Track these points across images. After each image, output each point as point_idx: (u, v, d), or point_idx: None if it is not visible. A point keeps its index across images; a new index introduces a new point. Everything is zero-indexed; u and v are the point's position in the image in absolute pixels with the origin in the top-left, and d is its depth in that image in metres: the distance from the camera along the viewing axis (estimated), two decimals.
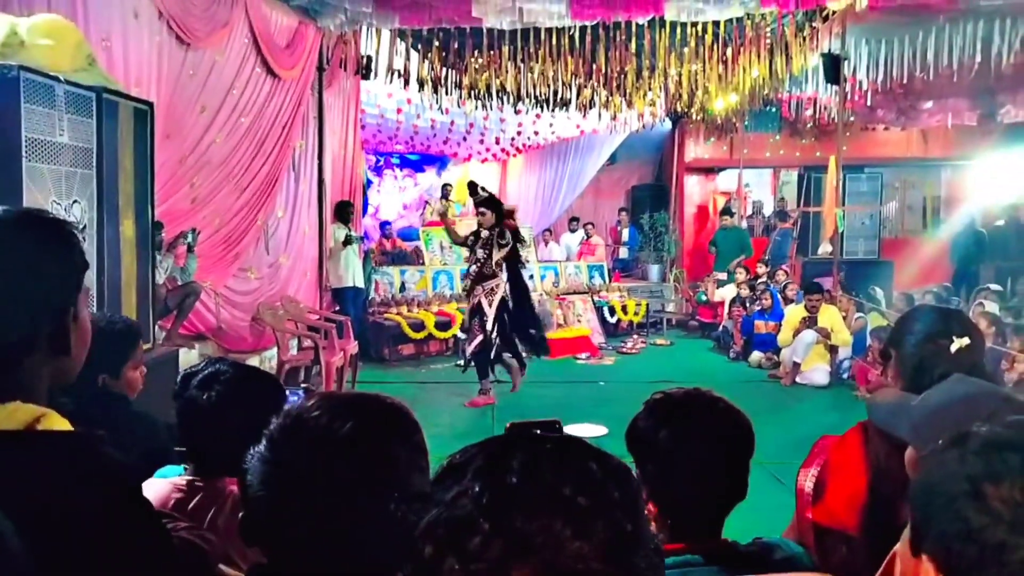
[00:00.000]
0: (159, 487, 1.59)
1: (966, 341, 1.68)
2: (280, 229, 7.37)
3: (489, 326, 6.17)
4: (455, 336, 8.38)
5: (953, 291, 9.38)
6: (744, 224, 11.94)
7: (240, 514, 1.29)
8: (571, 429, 5.85)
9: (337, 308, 8.04)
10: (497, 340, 6.34)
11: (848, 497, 1.63)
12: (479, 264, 6.27)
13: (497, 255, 6.28)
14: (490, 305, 6.20)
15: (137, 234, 4.54)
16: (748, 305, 8.85)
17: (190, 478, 1.60)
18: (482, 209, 6.36)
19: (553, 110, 9.69)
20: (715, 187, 12.21)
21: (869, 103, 9.29)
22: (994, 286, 8.65)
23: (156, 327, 5.32)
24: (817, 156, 11.15)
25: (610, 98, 9.47)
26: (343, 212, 8.01)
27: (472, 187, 6.65)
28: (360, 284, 8.21)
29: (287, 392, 1.87)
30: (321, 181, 8.00)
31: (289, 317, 6.83)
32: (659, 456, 1.30)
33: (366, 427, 0.93)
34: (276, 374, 6.34)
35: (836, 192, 8.23)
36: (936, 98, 9.91)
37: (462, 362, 6.75)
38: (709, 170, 12.10)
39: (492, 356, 6.39)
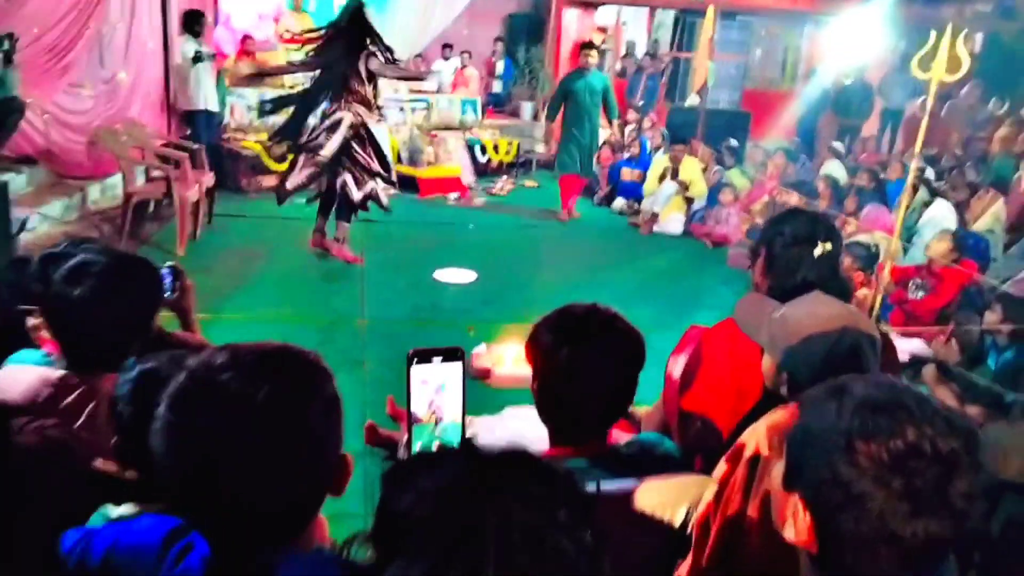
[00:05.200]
0: (25, 380, 1.47)
1: (828, 247, 1.82)
2: (117, 39, 6.50)
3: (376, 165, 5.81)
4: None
5: (802, 147, 9.96)
6: (618, 65, 11.81)
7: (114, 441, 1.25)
8: (441, 274, 5.95)
9: (187, 133, 7.38)
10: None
11: (713, 385, 1.77)
12: (361, 95, 5.63)
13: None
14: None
15: None
16: (616, 151, 9.02)
17: (63, 373, 1.49)
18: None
19: None
20: (593, 23, 11.88)
21: None
22: (836, 144, 9.26)
23: None
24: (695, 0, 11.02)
25: None
26: (192, 23, 7.09)
27: (359, 8, 5.93)
28: (214, 107, 7.51)
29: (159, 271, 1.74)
30: None
31: (134, 143, 6.21)
32: (558, 370, 1.35)
33: (282, 391, 0.89)
34: (123, 208, 5.86)
35: (710, 44, 8.27)
36: None
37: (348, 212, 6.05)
38: (588, 4, 11.70)
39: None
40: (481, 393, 4.02)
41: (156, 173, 6.33)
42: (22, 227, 5.10)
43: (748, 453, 1.44)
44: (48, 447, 1.31)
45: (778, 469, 1.03)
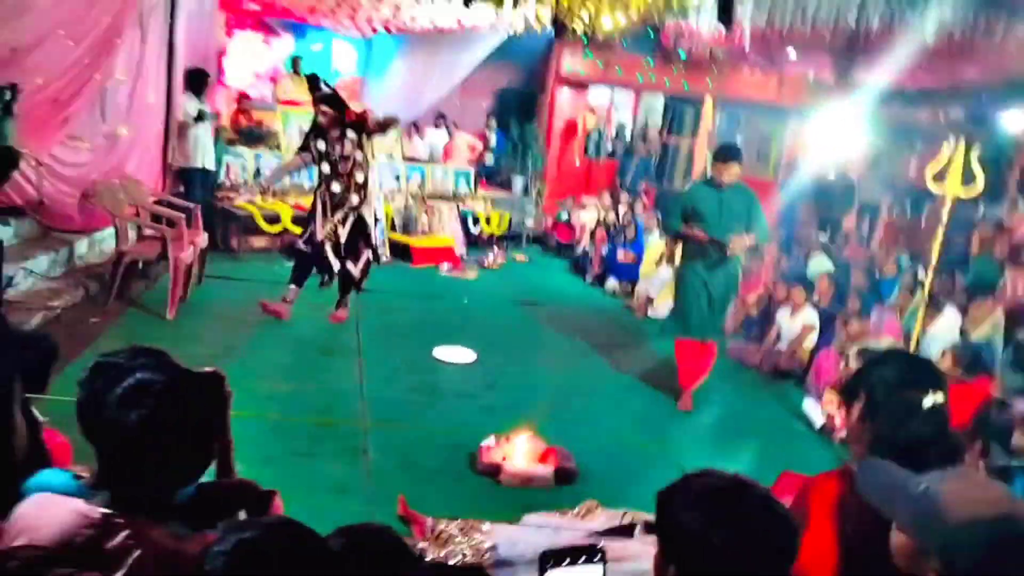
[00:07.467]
0: (59, 516, 1.28)
1: (940, 399, 1.69)
2: (120, 95, 6.37)
3: (375, 239, 5.72)
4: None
5: (785, 237, 10.12)
6: (609, 146, 11.98)
7: None
8: (440, 352, 5.78)
9: (181, 190, 7.21)
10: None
11: (821, 550, 1.62)
12: (358, 168, 5.59)
13: (369, 156, 5.66)
14: (372, 215, 5.71)
15: None
16: (612, 233, 9.05)
17: (105, 511, 1.31)
18: (324, 108, 5.50)
19: None
20: (585, 103, 12.13)
21: (747, 46, 9.48)
22: (822, 237, 9.44)
23: None
24: (684, 87, 11.34)
25: None
26: (197, 82, 7.03)
27: (313, 81, 5.85)
28: (211, 166, 7.40)
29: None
30: (172, 43, 6.94)
31: (130, 200, 6.02)
32: (706, 558, 1.19)
33: None
34: (113, 266, 5.64)
35: (710, 134, 8.45)
36: (806, 49, 10.34)
37: (328, 279, 5.93)
38: (582, 85, 11.97)
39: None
40: (491, 492, 3.83)
41: (149, 232, 6.12)
42: (8, 283, 4.85)
43: None
44: None
45: None
